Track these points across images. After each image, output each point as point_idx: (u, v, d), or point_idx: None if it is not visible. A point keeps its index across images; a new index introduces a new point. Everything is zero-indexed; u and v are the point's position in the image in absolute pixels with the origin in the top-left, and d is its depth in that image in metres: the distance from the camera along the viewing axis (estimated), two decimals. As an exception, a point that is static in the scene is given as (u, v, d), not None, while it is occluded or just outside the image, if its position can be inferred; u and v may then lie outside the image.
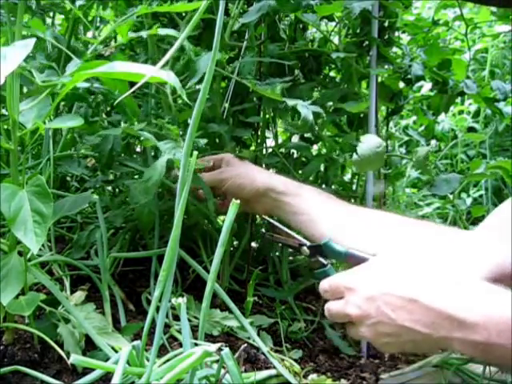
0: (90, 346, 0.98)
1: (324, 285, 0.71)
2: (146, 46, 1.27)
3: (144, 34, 1.02)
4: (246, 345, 1.10)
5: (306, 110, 0.89)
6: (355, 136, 1.25)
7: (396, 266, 0.64)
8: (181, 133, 1.28)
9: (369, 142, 0.98)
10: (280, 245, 1.50)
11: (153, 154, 1.28)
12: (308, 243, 0.77)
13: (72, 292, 1.13)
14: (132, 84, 0.94)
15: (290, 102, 0.94)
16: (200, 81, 1.08)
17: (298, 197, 1.00)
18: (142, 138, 1.11)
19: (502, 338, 0.54)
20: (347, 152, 1.34)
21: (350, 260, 0.71)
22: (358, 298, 0.64)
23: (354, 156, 1.03)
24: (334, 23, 1.41)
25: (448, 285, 0.59)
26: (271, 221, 0.94)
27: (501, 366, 0.54)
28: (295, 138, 1.50)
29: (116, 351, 0.94)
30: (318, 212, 0.95)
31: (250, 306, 1.15)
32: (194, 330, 1.03)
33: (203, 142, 1.00)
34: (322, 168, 1.46)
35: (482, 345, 0.55)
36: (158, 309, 0.82)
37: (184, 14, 1.19)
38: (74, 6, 1.16)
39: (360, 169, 1.02)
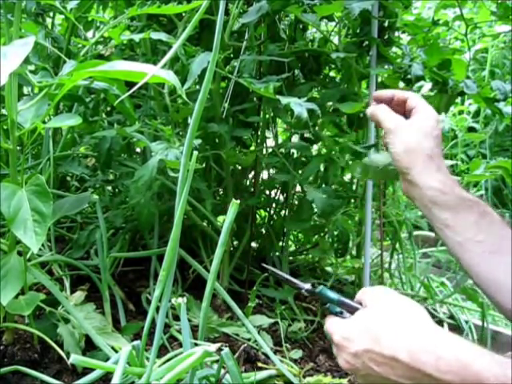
0: (90, 346, 0.98)
1: (326, 330, 0.75)
2: (146, 46, 1.27)
3: (136, 37, 1.02)
4: (245, 345, 1.10)
5: (299, 107, 0.89)
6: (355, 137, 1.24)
7: (378, 322, 0.65)
8: (181, 133, 1.28)
9: (384, 156, 0.93)
10: (280, 244, 1.50)
11: (152, 154, 1.28)
12: (306, 287, 0.79)
13: (72, 292, 1.13)
14: (129, 84, 0.95)
15: (284, 100, 0.93)
16: (198, 81, 1.08)
17: (449, 211, 0.79)
18: (134, 139, 1.11)
19: None
20: (348, 153, 1.34)
21: (342, 307, 0.76)
22: (346, 355, 0.67)
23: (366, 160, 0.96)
24: (333, 23, 1.41)
25: (428, 341, 0.61)
26: (272, 270, 0.83)
27: None
28: (295, 138, 1.50)
29: (116, 351, 0.94)
30: (469, 236, 0.78)
31: (251, 310, 1.15)
32: (194, 330, 1.03)
33: (197, 142, 0.99)
34: (321, 168, 1.46)
35: None
36: (157, 309, 0.82)
37: (183, 15, 1.19)
38: (66, 10, 1.16)
39: (372, 177, 0.97)
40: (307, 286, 0.79)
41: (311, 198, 1.16)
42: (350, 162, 1.11)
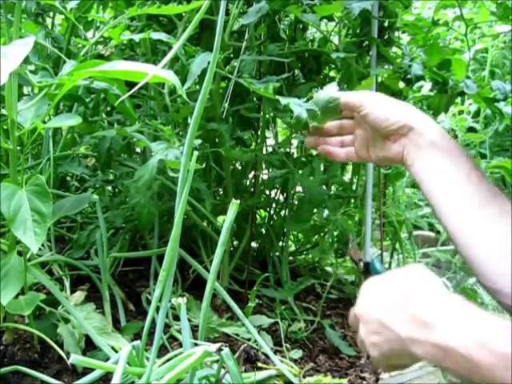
0: (90, 346, 0.98)
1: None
2: (146, 46, 1.27)
3: (136, 37, 1.02)
4: (245, 345, 1.10)
5: (299, 108, 0.89)
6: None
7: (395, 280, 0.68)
8: (181, 132, 1.28)
9: (327, 92, 0.88)
10: (280, 244, 1.50)
11: (152, 154, 1.29)
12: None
13: (72, 292, 1.13)
14: (129, 84, 0.95)
15: (283, 101, 0.93)
16: (198, 81, 1.08)
17: (448, 156, 0.78)
18: (134, 139, 1.11)
19: (459, 344, 0.55)
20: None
21: None
22: (362, 299, 0.69)
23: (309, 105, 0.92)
24: (333, 23, 1.41)
25: (430, 297, 0.62)
26: None
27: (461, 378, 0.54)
28: (295, 138, 1.50)
29: (116, 351, 0.94)
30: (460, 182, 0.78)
31: (251, 310, 1.15)
32: (194, 329, 1.03)
33: (198, 142, 0.99)
34: (321, 168, 1.46)
35: (439, 347, 0.57)
36: (158, 309, 0.82)
37: (183, 15, 1.19)
38: (66, 10, 1.16)
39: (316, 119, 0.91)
40: None
41: (303, 184, 1.15)
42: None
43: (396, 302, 0.63)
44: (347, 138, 0.90)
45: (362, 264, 0.87)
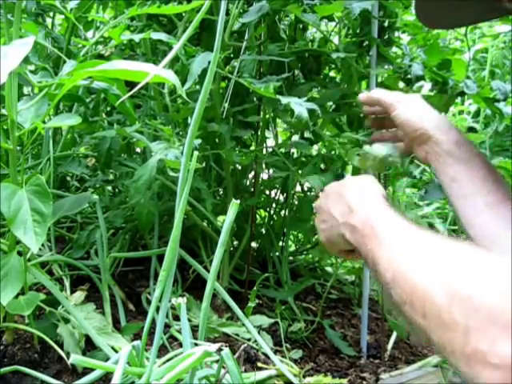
0: (90, 346, 0.98)
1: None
2: (146, 47, 1.27)
3: (136, 37, 1.02)
4: (245, 345, 1.10)
5: (299, 107, 0.89)
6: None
7: (347, 181, 0.80)
8: (181, 132, 1.28)
9: (384, 147, 0.96)
10: (280, 244, 1.50)
11: (152, 154, 1.29)
12: None
13: (72, 292, 1.13)
14: (129, 84, 0.95)
15: (284, 100, 0.93)
16: (198, 81, 1.08)
17: (463, 165, 0.85)
18: (134, 139, 1.11)
19: (363, 223, 0.66)
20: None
21: None
22: (320, 197, 0.82)
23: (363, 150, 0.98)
24: (333, 23, 1.41)
25: (367, 194, 0.72)
26: None
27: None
28: (295, 138, 1.50)
29: (116, 351, 0.94)
30: (476, 190, 0.84)
31: (251, 311, 1.15)
32: (194, 329, 1.03)
33: (198, 142, 0.99)
34: (321, 168, 1.45)
35: (353, 226, 0.68)
36: (158, 309, 0.82)
37: (183, 15, 1.19)
38: (66, 10, 1.16)
39: (370, 167, 0.97)
40: None
41: (311, 183, 1.17)
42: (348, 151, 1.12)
43: (339, 194, 0.75)
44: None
45: None
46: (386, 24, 1.35)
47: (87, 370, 0.88)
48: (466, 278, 0.45)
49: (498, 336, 0.39)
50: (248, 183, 1.49)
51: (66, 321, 0.99)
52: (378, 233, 0.62)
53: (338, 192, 0.77)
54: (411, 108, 0.90)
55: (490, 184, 0.83)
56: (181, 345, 1.04)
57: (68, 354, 0.90)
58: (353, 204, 0.71)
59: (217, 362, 0.86)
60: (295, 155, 1.43)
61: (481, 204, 0.82)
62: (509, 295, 0.40)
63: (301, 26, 1.37)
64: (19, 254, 0.89)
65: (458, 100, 2.40)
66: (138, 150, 1.47)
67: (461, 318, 0.43)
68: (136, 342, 0.82)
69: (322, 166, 1.44)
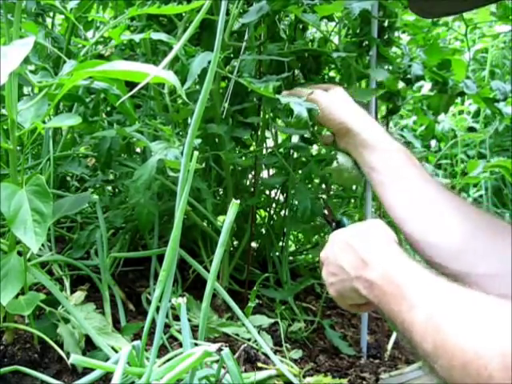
0: (90, 346, 0.98)
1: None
2: (146, 47, 1.27)
3: (137, 37, 1.02)
4: (245, 345, 1.10)
5: (299, 107, 0.89)
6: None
7: (354, 229, 0.79)
8: (181, 133, 1.28)
9: (346, 159, 0.99)
10: (280, 244, 1.50)
11: (152, 153, 1.29)
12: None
13: (72, 292, 1.13)
14: (129, 84, 0.95)
15: (284, 100, 0.93)
16: (198, 81, 1.08)
17: (382, 154, 0.89)
18: (134, 139, 1.11)
19: (377, 278, 0.63)
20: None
21: None
22: (326, 247, 0.80)
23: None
24: (333, 23, 1.40)
25: (379, 244, 0.70)
26: None
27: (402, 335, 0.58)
28: (295, 139, 1.50)
29: (116, 351, 0.94)
30: (394, 180, 0.88)
31: (251, 311, 1.15)
32: (194, 329, 1.03)
33: (197, 141, 0.99)
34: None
35: (368, 281, 0.65)
36: (158, 309, 0.82)
37: (183, 15, 1.19)
38: (66, 10, 1.16)
39: (347, 180, 1.01)
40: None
41: (298, 199, 1.18)
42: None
43: (349, 245, 0.72)
44: None
45: (334, 224, 0.99)
46: (385, 24, 1.35)
47: (87, 370, 0.88)
48: None
49: None
50: (248, 183, 1.49)
51: (66, 321, 0.99)
52: (405, 293, 0.57)
53: (346, 242, 0.73)
54: (329, 100, 0.96)
55: (405, 175, 0.87)
56: (181, 345, 1.04)
57: (68, 354, 0.90)
58: (366, 256, 0.68)
59: (217, 362, 0.86)
60: (295, 155, 1.42)
61: (396, 189, 0.86)
62: None
63: (301, 26, 1.37)
64: (19, 254, 0.89)
65: (458, 100, 2.40)
66: (138, 150, 1.47)
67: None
68: (136, 342, 0.82)
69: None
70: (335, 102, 0.96)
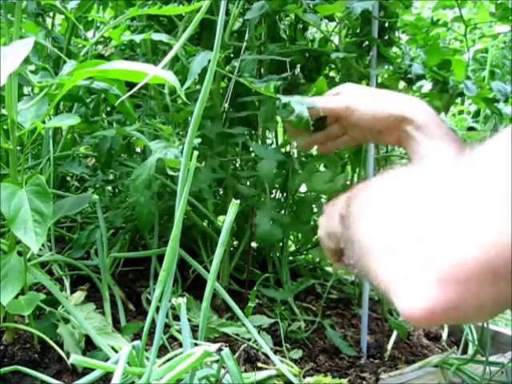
0: (90, 346, 0.98)
1: None
2: (146, 46, 1.27)
3: (137, 38, 1.02)
4: (245, 345, 1.10)
5: (300, 106, 0.89)
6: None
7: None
8: (181, 132, 1.28)
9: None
10: (280, 244, 1.50)
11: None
12: None
13: (72, 292, 1.13)
14: (129, 84, 0.95)
15: (284, 99, 0.93)
16: (198, 81, 1.08)
17: (435, 141, 0.83)
18: (134, 139, 1.11)
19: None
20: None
21: None
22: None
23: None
24: (334, 23, 1.40)
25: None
26: None
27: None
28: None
29: (116, 351, 0.94)
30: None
31: (251, 311, 1.15)
32: (194, 329, 1.03)
33: (197, 141, 0.99)
34: (321, 168, 1.45)
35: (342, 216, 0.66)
36: (158, 309, 0.82)
37: (183, 15, 1.19)
38: (66, 10, 1.17)
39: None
40: None
41: (258, 221, 1.16)
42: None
43: (346, 196, 0.70)
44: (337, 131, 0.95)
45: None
46: (386, 24, 1.35)
47: (87, 370, 0.88)
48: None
49: None
50: (248, 183, 1.49)
51: (66, 321, 0.99)
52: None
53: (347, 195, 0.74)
54: (365, 103, 0.88)
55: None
56: (181, 345, 1.04)
57: (68, 354, 0.90)
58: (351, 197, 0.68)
59: (217, 362, 0.86)
60: (295, 155, 1.42)
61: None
62: None
63: (301, 26, 1.37)
64: (19, 253, 0.89)
65: (458, 100, 2.40)
66: (138, 149, 1.47)
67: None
68: (136, 342, 0.82)
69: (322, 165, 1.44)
70: (368, 100, 0.88)
